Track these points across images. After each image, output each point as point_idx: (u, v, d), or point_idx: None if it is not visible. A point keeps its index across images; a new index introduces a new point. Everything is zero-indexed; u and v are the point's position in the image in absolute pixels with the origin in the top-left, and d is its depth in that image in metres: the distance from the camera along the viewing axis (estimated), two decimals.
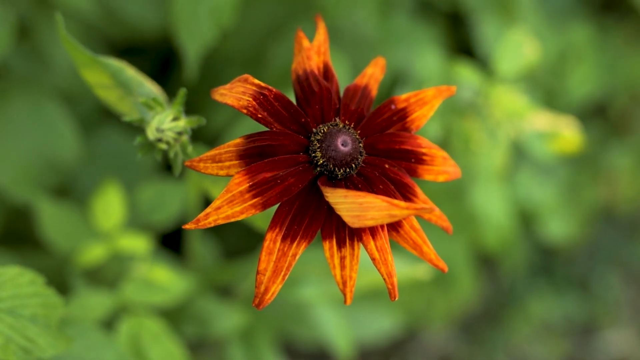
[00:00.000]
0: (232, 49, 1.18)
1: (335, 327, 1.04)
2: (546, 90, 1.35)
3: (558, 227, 1.40)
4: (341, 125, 0.57)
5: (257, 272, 0.54)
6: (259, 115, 0.56)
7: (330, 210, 0.55)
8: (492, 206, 1.18)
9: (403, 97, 0.60)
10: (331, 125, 0.57)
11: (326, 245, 0.55)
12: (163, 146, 0.60)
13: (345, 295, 0.55)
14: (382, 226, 0.55)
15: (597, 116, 1.56)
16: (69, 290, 0.90)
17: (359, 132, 0.58)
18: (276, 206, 0.55)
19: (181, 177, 0.87)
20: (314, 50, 0.60)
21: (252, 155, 0.55)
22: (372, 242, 0.55)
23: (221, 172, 0.55)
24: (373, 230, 0.55)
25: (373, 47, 1.18)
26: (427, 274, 0.89)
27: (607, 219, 1.66)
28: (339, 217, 0.54)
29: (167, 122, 0.60)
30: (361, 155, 0.57)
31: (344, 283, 0.55)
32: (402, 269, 0.88)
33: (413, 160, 0.59)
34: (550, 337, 1.58)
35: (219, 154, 0.55)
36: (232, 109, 1.07)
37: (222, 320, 0.98)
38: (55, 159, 1.02)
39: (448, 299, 1.33)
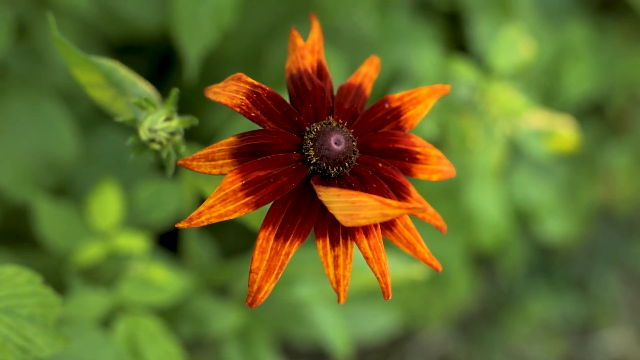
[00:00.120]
0: (231, 50, 1.18)
1: (332, 326, 1.04)
2: (543, 89, 1.35)
3: (556, 226, 1.40)
4: (334, 124, 0.57)
5: (250, 271, 0.54)
6: (252, 114, 0.56)
7: (323, 209, 0.55)
8: (488, 205, 1.18)
9: (397, 96, 0.60)
10: (324, 124, 0.57)
11: (319, 244, 0.55)
12: (156, 146, 0.60)
13: (338, 294, 0.55)
14: (375, 225, 0.55)
15: (595, 115, 1.56)
16: (66, 290, 0.90)
17: (352, 130, 0.58)
18: (269, 205, 0.55)
19: (179, 176, 0.88)
20: (308, 49, 0.60)
21: (245, 154, 0.55)
22: (365, 241, 0.55)
23: (214, 171, 0.55)
24: (366, 229, 0.55)
25: (371, 47, 1.18)
26: (423, 273, 0.89)
27: (605, 219, 1.65)
28: (332, 216, 0.54)
29: (159, 122, 0.60)
30: (354, 154, 0.56)
31: (338, 282, 0.55)
32: (398, 269, 0.88)
33: (407, 159, 0.59)
34: (549, 337, 1.58)
35: (212, 152, 0.55)
36: (230, 110, 1.08)
37: (218, 319, 0.98)
38: (53, 159, 1.02)
39: (445, 298, 1.33)
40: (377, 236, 0.55)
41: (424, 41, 1.20)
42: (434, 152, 0.60)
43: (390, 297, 0.55)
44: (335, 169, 0.55)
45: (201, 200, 0.56)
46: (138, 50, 1.22)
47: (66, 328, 0.77)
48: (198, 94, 1.07)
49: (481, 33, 1.21)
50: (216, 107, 1.12)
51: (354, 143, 0.57)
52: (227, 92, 0.56)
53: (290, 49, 0.61)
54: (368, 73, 0.62)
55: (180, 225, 0.54)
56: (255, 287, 0.54)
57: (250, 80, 0.57)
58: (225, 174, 0.55)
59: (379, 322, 1.21)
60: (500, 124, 1.03)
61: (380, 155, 0.59)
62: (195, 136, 1.00)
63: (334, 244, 0.55)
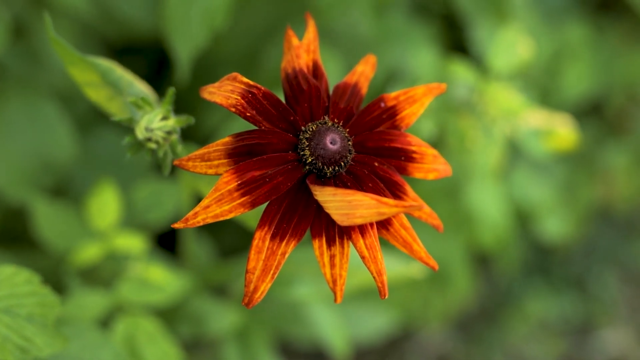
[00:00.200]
0: (228, 50, 1.18)
1: (331, 326, 1.04)
2: (541, 88, 1.35)
3: (555, 226, 1.40)
4: (330, 124, 0.57)
5: (246, 271, 0.54)
6: (248, 114, 0.56)
7: (319, 208, 0.55)
8: (488, 205, 1.18)
9: (392, 95, 0.60)
10: (320, 123, 0.57)
11: (316, 243, 0.55)
12: (152, 145, 0.60)
13: (335, 293, 0.55)
14: (371, 224, 0.55)
15: (593, 115, 1.56)
16: (65, 290, 0.90)
17: (348, 130, 0.58)
18: (265, 205, 0.55)
19: (177, 176, 0.88)
20: (303, 49, 0.60)
21: (240, 154, 0.55)
22: (361, 240, 0.55)
23: (210, 171, 0.55)
24: (362, 229, 0.55)
25: (368, 47, 1.18)
26: (421, 272, 0.89)
27: (604, 218, 1.65)
28: (328, 216, 0.54)
29: (156, 122, 0.60)
30: (350, 154, 0.56)
31: (334, 281, 0.55)
32: (396, 268, 0.88)
33: (403, 158, 0.59)
34: (547, 337, 1.58)
35: (208, 152, 0.55)
36: (226, 110, 1.08)
37: (217, 319, 0.98)
38: (50, 159, 1.02)
39: (444, 298, 1.33)
40: (373, 235, 0.55)
41: (422, 42, 1.20)
42: (430, 151, 0.60)
43: (386, 297, 0.55)
44: (331, 169, 0.55)
45: (198, 200, 0.56)
46: (136, 52, 1.22)
47: (65, 328, 0.77)
48: (194, 94, 1.08)
49: (479, 34, 1.21)
50: (212, 107, 1.12)
51: (350, 142, 0.57)
52: (223, 92, 0.56)
53: (285, 49, 0.61)
54: (364, 72, 0.62)
55: (176, 225, 0.54)
56: (252, 287, 0.54)
57: (245, 80, 0.57)
58: (221, 174, 0.55)
59: (377, 322, 1.21)
60: (499, 124, 1.03)
61: (376, 154, 0.59)
62: (192, 136, 1.00)
63: (330, 243, 0.55)
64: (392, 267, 0.87)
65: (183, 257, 0.99)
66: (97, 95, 0.67)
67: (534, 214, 1.37)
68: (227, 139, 0.55)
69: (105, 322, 0.87)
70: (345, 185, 0.56)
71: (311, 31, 0.61)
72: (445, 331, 1.55)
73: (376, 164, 0.58)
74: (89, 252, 0.89)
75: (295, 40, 0.60)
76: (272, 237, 0.54)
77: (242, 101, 0.56)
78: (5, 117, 1.01)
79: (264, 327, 1.05)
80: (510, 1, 1.22)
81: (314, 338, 1.10)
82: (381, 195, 0.55)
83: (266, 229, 0.54)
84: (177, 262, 1.01)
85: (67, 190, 1.08)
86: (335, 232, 0.55)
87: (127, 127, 0.62)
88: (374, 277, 0.55)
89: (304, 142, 0.56)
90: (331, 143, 0.55)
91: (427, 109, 1.01)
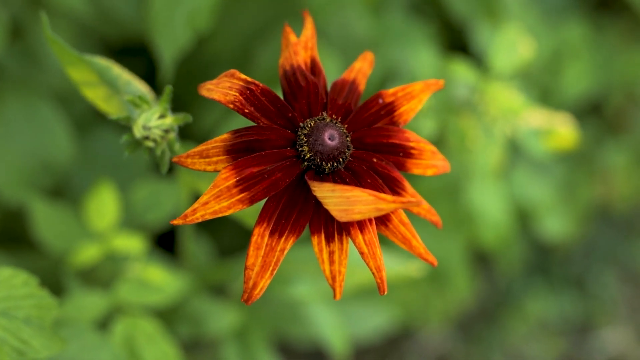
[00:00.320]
0: (221, 50, 1.18)
1: (330, 326, 1.04)
2: (541, 88, 1.35)
3: (554, 225, 1.40)
4: (328, 120, 0.57)
5: (245, 267, 0.54)
6: (246, 110, 0.56)
7: (318, 204, 0.55)
8: (489, 204, 1.18)
9: (390, 91, 0.60)
10: (318, 119, 0.57)
11: (315, 240, 0.55)
12: (150, 144, 0.60)
13: (334, 290, 0.55)
14: (370, 220, 0.55)
15: (593, 114, 1.56)
16: (63, 291, 0.90)
17: (346, 126, 0.58)
18: (264, 201, 0.55)
19: (175, 176, 0.87)
20: (301, 46, 0.60)
21: (239, 151, 0.55)
22: (360, 236, 0.54)
23: (209, 168, 0.55)
24: (361, 224, 0.55)
25: (365, 48, 1.17)
26: (420, 271, 0.89)
27: (604, 218, 1.66)
28: (327, 212, 0.54)
29: (153, 120, 0.60)
30: (349, 149, 0.56)
31: (333, 278, 0.55)
32: (395, 266, 0.87)
33: (401, 154, 0.59)
34: (547, 336, 1.58)
35: (207, 149, 0.55)
36: (224, 108, 1.08)
37: (216, 319, 0.98)
38: (49, 160, 1.02)
39: (444, 297, 1.33)
40: (372, 231, 0.55)
41: (421, 41, 1.20)
42: (428, 147, 0.60)
43: (385, 293, 0.55)
44: (329, 165, 0.55)
45: (197, 198, 0.56)
46: (135, 52, 1.22)
47: (63, 330, 0.77)
48: (190, 94, 1.08)
49: (479, 34, 1.21)
50: (208, 107, 1.12)
51: (348, 138, 0.57)
52: (221, 89, 0.56)
53: (283, 46, 0.61)
54: (362, 69, 0.62)
55: (175, 222, 0.54)
56: (251, 283, 0.54)
57: (243, 76, 0.57)
58: (219, 171, 0.55)
59: (376, 321, 1.21)
60: (499, 123, 1.03)
61: (375, 150, 0.58)
62: (189, 135, 1.00)
63: (329, 239, 0.55)
64: (391, 266, 0.87)
65: (182, 257, 0.99)
66: (95, 94, 0.67)
67: (534, 213, 1.37)
68: (225, 136, 0.55)
69: (105, 323, 0.87)
70: (343, 181, 0.56)
71: (309, 28, 0.61)
72: (445, 331, 1.55)
73: (374, 160, 0.58)
74: (87, 253, 0.89)
75: (293, 37, 0.60)
76: (271, 233, 0.54)
77: (240, 98, 0.56)
78: (3, 118, 1.01)
79: (263, 327, 1.05)
80: (502, 3, 1.22)
81: (313, 337, 1.09)
82: (380, 191, 0.55)
83: (265, 225, 0.54)
84: (176, 262, 1.01)
85: (66, 191, 1.07)
86: (334, 228, 0.55)
87: (124, 127, 0.62)
88: (373, 273, 0.55)
89: (303, 139, 0.56)
90: (329, 139, 0.55)
91: (427, 108, 1.01)
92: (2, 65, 1.05)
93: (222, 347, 1.02)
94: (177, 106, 0.69)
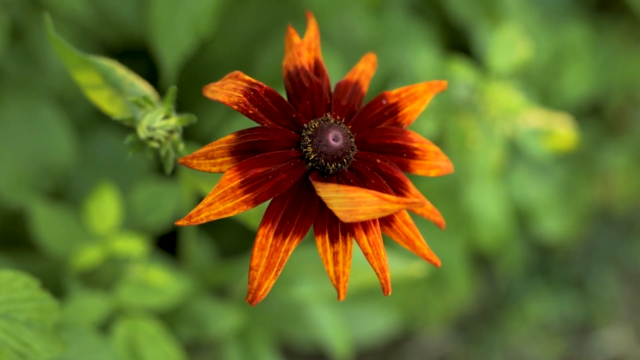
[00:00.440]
0: (223, 52, 1.18)
1: (331, 327, 1.04)
2: (541, 89, 1.35)
3: (554, 226, 1.40)
4: (332, 121, 0.57)
5: (250, 268, 0.54)
6: (250, 111, 0.56)
7: (322, 205, 0.55)
8: (488, 205, 1.18)
9: (394, 92, 0.60)
10: (322, 120, 0.57)
11: (319, 240, 0.55)
12: (154, 145, 0.60)
13: (338, 290, 0.55)
14: (374, 221, 0.55)
15: (593, 116, 1.56)
16: (65, 294, 0.89)
17: (350, 127, 0.58)
18: (268, 202, 0.55)
19: (176, 178, 0.87)
20: (304, 47, 0.60)
21: (243, 151, 0.55)
22: (364, 237, 0.55)
23: (214, 169, 0.55)
24: (365, 225, 0.55)
25: (366, 49, 1.18)
26: (422, 271, 0.89)
27: (603, 219, 1.66)
28: (331, 213, 0.54)
29: (158, 121, 0.60)
30: (352, 150, 0.57)
31: (337, 279, 0.55)
32: (397, 267, 0.87)
33: (405, 155, 0.59)
34: (547, 337, 1.58)
35: (212, 150, 0.55)
36: (226, 110, 1.08)
37: (218, 321, 0.98)
38: (49, 162, 1.02)
39: (444, 298, 1.33)
40: (376, 232, 0.55)
41: (421, 42, 1.20)
42: (432, 148, 0.60)
43: (390, 293, 0.55)
44: (333, 165, 0.55)
45: (200, 200, 0.56)
46: (136, 55, 1.22)
47: (64, 332, 0.77)
48: (194, 96, 1.08)
49: (479, 35, 1.21)
50: (211, 109, 1.12)
51: (352, 139, 0.57)
52: (225, 90, 0.56)
53: (287, 47, 0.61)
54: (365, 70, 0.62)
55: (179, 222, 0.54)
56: (255, 284, 0.54)
57: (247, 77, 0.57)
58: (224, 172, 0.55)
59: (378, 323, 1.21)
60: (499, 124, 1.03)
61: (378, 151, 0.59)
62: (193, 137, 1.00)
63: (333, 240, 0.55)
64: (393, 267, 0.87)
65: (183, 259, 0.99)
66: (98, 96, 0.67)
67: (534, 213, 1.37)
68: (230, 137, 0.55)
69: (106, 325, 0.87)
70: (347, 182, 0.56)
71: (312, 29, 0.62)
72: (446, 332, 1.55)
73: (378, 161, 0.58)
74: (88, 255, 0.88)
75: (296, 38, 0.60)
76: (276, 234, 0.54)
77: (245, 99, 0.56)
78: (4, 120, 1.01)
79: (265, 329, 1.04)
80: (502, 4, 1.22)
81: (315, 339, 1.09)
82: (383, 192, 0.55)
83: (269, 225, 0.54)
84: (178, 264, 1.01)
85: (67, 193, 1.07)
86: (339, 229, 0.55)
87: (126, 130, 0.62)
88: (377, 274, 0.55)
89: (307, 139, 0.56)
90: (334, 140, 0.55)
91: (427, 108, 1.01)
92: (2, 67, 1.05)
93: (224, 349, 1.02)
94: (178, 109, 0.69)
